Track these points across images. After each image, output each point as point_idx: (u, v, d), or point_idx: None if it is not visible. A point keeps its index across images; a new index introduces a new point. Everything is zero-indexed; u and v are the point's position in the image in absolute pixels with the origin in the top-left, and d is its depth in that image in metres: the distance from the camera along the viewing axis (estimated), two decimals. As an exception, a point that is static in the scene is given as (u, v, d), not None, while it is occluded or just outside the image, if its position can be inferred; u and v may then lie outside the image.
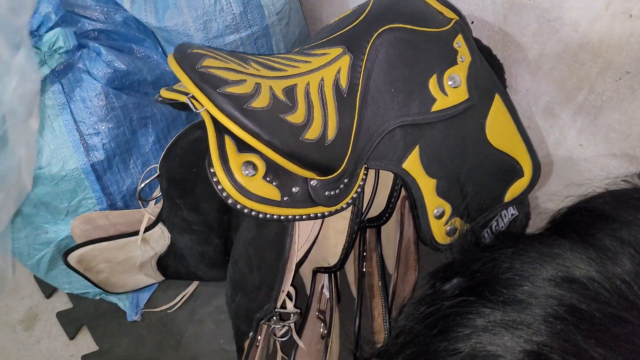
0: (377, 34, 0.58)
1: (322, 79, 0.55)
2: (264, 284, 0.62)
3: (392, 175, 0.65)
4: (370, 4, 0.62)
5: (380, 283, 0.75)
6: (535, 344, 0.37)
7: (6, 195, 0.66)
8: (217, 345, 0.89)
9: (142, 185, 0.71)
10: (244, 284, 0.64)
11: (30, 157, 0.70)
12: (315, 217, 0.56)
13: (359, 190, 0.58)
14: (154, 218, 0.77)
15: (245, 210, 0.51)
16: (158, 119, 0.85)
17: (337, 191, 0.56)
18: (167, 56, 0.85)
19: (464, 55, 0.62)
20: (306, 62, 0.56)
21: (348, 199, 0.57)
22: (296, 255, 0.61)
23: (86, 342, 0.93)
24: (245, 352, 0.66)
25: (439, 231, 0.63)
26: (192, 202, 0.72)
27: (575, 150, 0.71)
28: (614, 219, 0.44)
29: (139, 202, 0.74)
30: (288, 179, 0.53)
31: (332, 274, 0.73)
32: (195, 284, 0.94)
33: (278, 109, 0.50)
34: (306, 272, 0.74)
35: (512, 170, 0.67)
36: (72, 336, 0.94)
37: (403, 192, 0.69)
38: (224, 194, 0.50)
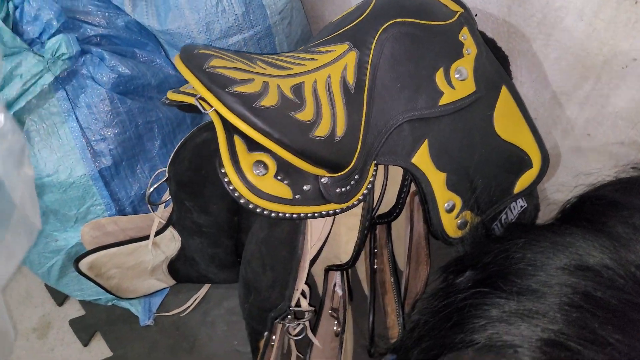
0: (382, 28, 0.58)
1: (329, 76, 0.55)
2: (278, 282, 0.62)
3: (401, 171, 0.65)
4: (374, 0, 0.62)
5: (392, 279, 0.75)
6: (552, 332, 0.36)
7: (13, 234, 0.66)
8: (231, 346, 0.89)
9: (151, 189, 0.71)
10: (257, 283, 0.64)
11: (32, 198, 0.70)
12: (327, 215, 0.56)
13: (369, 186, 0.58)
14: (164, 222, 0.77)
15: (258, 210, 0.51)
16: (163, 123, 0.85)
17: (348, 188, 0.56)
18: (170, 59, 0.86)
19: (470, 48, 0.62)
20: (312, 59, 0.56)
21: (359, 195, 0.57)
22: (309, 253, 0.61)
23: (100, 348, 0.93)
24: (260, 351, 0.66)
25: (450, 225, 0.63)
26: (201, 204, 0.72)
27: (583, 140, 0.71)
28: (625, 206, 0.44)
29: (149, 206, 0.74)
30: (299, 177, 0.53)
31: (344, 272, 0.73)
32: (206, 286, 0.94)
33: (287, 107, 0.50)
34: (318, 270, 0.74)
35: (521, 162, 0.67)
36: (85, 343, 0.94)
37: (412, 188, 0.69)
38: (235, 194, 0.50)
